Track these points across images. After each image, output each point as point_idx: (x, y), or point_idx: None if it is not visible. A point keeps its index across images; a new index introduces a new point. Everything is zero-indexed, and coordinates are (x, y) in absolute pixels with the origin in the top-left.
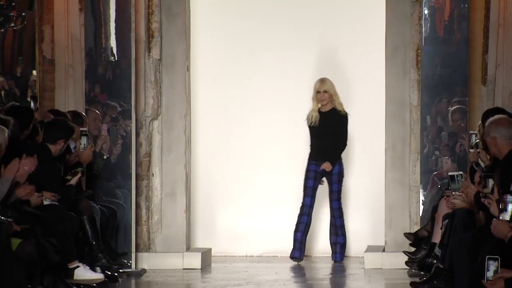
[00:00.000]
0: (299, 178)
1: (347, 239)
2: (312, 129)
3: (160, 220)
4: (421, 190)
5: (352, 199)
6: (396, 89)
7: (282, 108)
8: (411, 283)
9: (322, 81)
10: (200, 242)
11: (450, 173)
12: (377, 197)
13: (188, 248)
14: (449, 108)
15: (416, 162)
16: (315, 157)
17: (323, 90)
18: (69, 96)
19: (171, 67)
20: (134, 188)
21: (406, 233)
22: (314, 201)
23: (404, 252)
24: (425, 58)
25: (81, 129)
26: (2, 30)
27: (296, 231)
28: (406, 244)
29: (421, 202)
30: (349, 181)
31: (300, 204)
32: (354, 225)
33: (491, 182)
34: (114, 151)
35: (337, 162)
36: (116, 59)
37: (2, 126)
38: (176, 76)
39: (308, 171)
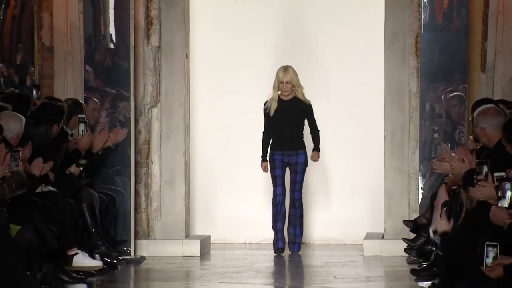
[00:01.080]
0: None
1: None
2: (273, 118)
3: (159, 208)
4: (420, 177)
5: (351, 187)
6: (395, 77)
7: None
8: (411, 271)
9: (285, 70)
10: (199, 229)
11: (443, 144)
12: (376, 184)
13: (187, 236)
14: (448, 96)
15: (415, 150)
16: (279, 147)
17: (286, 81)
18: (68, 83)
19: (170, 55)
20: (133, 176)
21: (405, 220)
22: (285, 190)
23: (404, 239)
24: (424, 45)
25: (79, 116)
26: (1, 17)
27: (275, 222)
28: (405, 232)
29: (420, 189)
30: (348, 169)
31: (272, 195)
32: (353, 212)
33: (485, 168)
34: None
35: (302, 151)
36: (115, 46)
37: (19, 115)
38: (175, 63)
39: (273, 161)
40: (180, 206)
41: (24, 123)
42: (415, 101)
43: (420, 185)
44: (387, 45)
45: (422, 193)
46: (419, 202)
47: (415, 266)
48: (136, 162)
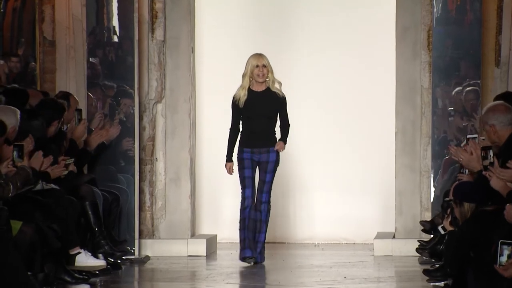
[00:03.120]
0: (303, 161)
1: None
2: (243, 110)
3: (164, 206)
4: (432, 175)
5: (362, 185)
6: (407, 72)
7: (288, 90)
8: (424, 271)
9: (260, 55)
10: (205, 228)
11: (468, 136)
12: (387, 182)
13: (193, 235)
14: (462, 91)
15: (427, 147)
16: (249, 143)
17: (262, 64)
18: (70, 78)
19: (175, 49)
20: (138, 173)
21: (422, 220)
22: (255, 192)
23: (419, 241)
24: (436, 39)
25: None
26: (2, 10)
27: (242, 229)
28: (416, 231)
29: (432, 187)
30: (359, 167)
31: (240, 198)
32: (364, 211)
33: (490, 153)
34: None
35: (274, 148)
36: (119, 40)
37: (13, 108)
38: (181, 58)
39: (242, 160)
40: (186, 204)
41: (19, 116)
42: (427, 96)
43: (432, 183)
44: (398, 39)
45: (434, 191)
46: (431, 201)
47: (427, 267)
48: (140, 159)
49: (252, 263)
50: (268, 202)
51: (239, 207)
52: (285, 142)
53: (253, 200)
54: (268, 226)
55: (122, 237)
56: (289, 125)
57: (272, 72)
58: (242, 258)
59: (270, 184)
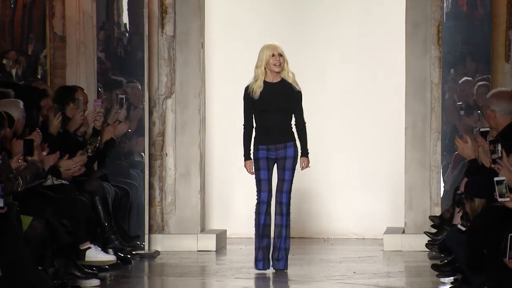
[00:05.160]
0: (312, 157)
1: None
2: (257, 103)
3: (174, 201)
4: (441, 170)
5: (372, 180)
6: (417, 67)
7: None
8: (433, 266)
9: (275, 44)
10: (215, 223)
11: (481, 129)
12: (396, 178)
13: (203, 230)
14: (473, 85)
15: (437, 142)
16: (264, 140)
17: (279, 53)
18: (81, 73)
19: (185, 44)
20: (147, 168)
21: (432, 215)
22: (271, 195)
23: (425, 232)
24: (446, 34)
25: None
26: (12, 6)
27: (256, 236)
28: (426, 226)
29: (442, 182)
30: (369, 162)
31: (256, 202)
32: (373, 206)
33: (498, 146)
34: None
35: (291, 143)
36: (129, 35)
37: (16, 100)
38: (190, 53)
39: (257, 160)
40: (195, 199)
41: (22, 106)
42: (437, 91)
43: (442, 178)
44: (408, 35)
45: (444, 186)
46: (441, 196)
47: (437, 261)
48: (150, 155)
49: (265, 273)
50: (288, 203)
51: (254, 209)
52: (307, 155)
53: (268, 205)
54: None
55: (133, 232)
56: (305, 122)
57: (287, 63)
58: (258, 268)
59: (290, 183)
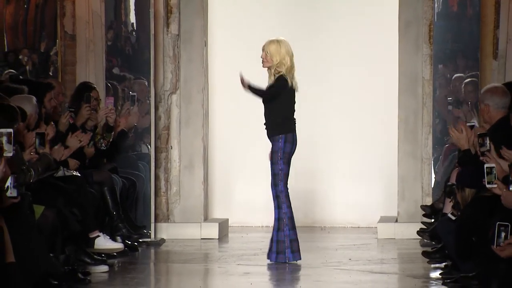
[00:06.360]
0: (308, 149)
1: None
2: (290, 93)
3: (179, 192)
4: (433, 162)
5: (366, 172)
6: (409, 64)
7: (299, 80)
8: (423, 252)
9: (268, 40)
10: (217, 213)
11: (468, 124)
12: (390, 169)
13: (206, 219)
14: (461, 82)
15: (428, 135)
16: (293, 129)
17: (263, 49)
18: (90, 70)
19: (189, 42)
20: (153, 160)
21: (423, 205)
22: (287, 189)
23: (421, 223)
24: (437, 33)
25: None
26: (25, 6)
27: (279, 230)
28: (418, 215)
29: (433, 174)
30: (363, 154)
31: (276, 193)
32: (368, 196)
33: (487, 140)
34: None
35: (273, 137)
36: (136, 34)
37: (28, 95)
38: (194, 51)
39: (286, 152)
40: (199, 190)
41: (35, 102)
42: (428, 87)
43: (433, 170)
44: (401, 34)
45: (435, 178)
46: (432, 186)
47: (428, 249)
48: (156, 147)
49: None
50: (277, 197)
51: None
52: (249, 86)
53: (287, 198)
54: None
55: (140, 222)
56: (266, 93)
57: (277, 60)
58: (289, 262)
59: (273, 177)
